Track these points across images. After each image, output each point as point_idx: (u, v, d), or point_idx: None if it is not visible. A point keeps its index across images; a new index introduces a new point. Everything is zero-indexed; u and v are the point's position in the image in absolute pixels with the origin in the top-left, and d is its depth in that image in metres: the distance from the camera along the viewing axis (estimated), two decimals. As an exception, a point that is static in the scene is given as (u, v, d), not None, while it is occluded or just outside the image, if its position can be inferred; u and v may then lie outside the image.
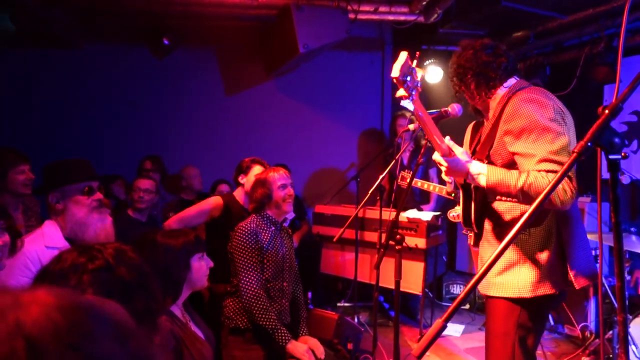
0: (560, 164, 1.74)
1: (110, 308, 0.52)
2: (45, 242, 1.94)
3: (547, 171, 1.75)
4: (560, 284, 1.88)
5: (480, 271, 0.99)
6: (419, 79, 1.65)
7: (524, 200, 1.81)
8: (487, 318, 2.03)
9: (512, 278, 1.90)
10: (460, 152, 1.87)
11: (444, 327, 1.01)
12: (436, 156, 1.89)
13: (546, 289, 1.87)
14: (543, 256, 1.88)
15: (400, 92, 1.62)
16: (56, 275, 1.13)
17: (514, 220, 1.90)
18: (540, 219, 1.89)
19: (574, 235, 1.94)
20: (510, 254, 1.91)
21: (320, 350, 2.65)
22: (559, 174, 1.00)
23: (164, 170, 4.79)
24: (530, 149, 1.80)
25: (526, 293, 1.87)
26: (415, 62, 1.63)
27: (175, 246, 1.94)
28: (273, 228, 2.73)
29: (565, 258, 1.89)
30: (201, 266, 2.03)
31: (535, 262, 1.88)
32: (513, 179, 1.78)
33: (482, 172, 1.85)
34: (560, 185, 1.71)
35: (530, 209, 1.01)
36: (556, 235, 1.90)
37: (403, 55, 1.56)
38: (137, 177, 3.82)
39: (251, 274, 2.57)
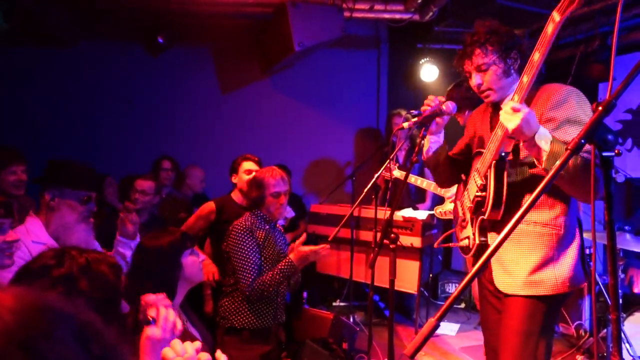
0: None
1: (75, 308, 0.51)
2: (31, 237, 1.95)
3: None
4: (583, 278, 1.91)
5: (479, 262, 0.96)
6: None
7: (571, 178, 1.68)
8: (507, 316, 1.93)
9: (549, 275, 1.86)
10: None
11: (437, 326, 0.99)
12: (510, 104, 1.68)
13: (575, 284, 1.88)
14: (575, 249, 1.89)
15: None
16: (31, 273, 1.15)
17: (533, 210, 1.86)
18: (569, 212, 1.91)
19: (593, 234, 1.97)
20: (546, 251, 1.87)
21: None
22: (554, 169, 1.00)
23: (179, 169, 4.76)
24: (558, 123, 1.80)
25: (563, 289, 1.86)
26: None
27: (162, 247, 1.94)
28: (267, 226, 2.72)
29: (583, 253, 1.93)
30: (194, 261, 2.02)
31: (569, 257, 1.88)
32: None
33: (548, 137, 1.68)
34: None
35: (532, 196, 1.01)
36: (579, 226, 1.94)
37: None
38: (139, 178, 3.74)
39: (249, 272, 2.56)
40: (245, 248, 2.59)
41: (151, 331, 1.33)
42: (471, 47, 1.92)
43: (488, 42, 1.87)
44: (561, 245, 1.87)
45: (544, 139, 1.67)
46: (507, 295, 1.93)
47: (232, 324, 2.61)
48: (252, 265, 2.56)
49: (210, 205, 3.31)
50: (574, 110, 1.78)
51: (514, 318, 1.91)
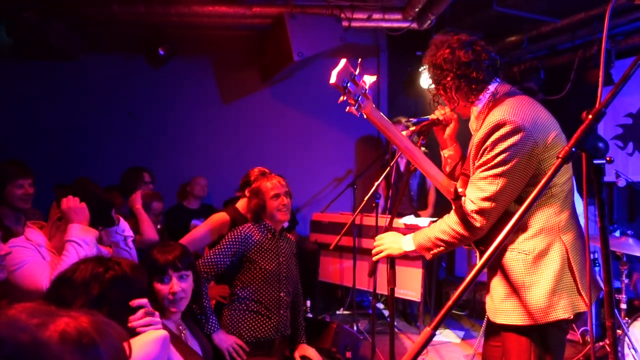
0: (484, 190, 1.65)
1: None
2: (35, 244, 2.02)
3: (466, 196, 1.70)
4: (575, 305, 1.67)
5: (464, 285, 0.97)
6: (367, 86, 1.57)
7: (448, 247, 1.78)
8: (503, 340, 1.81)
9: (518, 304, 1.69)
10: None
11: (432, 335, 1.00)
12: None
13: (558, 314, 1.65)
14: (550, 275, 1.67)
15: (342, 98, 1.55)
16: (77, 284, 1.25)
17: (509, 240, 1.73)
18: (539, 235, 1.70)
19: (578, 246, 1.72)
20: (514, 277, 1.71)
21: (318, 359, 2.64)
22: (540, 185, 1.00)
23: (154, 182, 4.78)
24: (474, 172, 1.71)
25: (539, 319, 1.66)
26: (358, 69, 1.55)
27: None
28: (270, 235, 2.70)
29: (574, 275, 1.68)
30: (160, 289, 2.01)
31: (542, 284, 1.67)
32: (430, 232, 1.80)
33: (409, 241, 1.88)
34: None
35: (507, 227, 1.00)
36: (561, 250, 1.69)
37: (342, 62, 1.51)
38: (155, 199, 3.74)
39: (213, 256, 2.56)
40: (224, 248, 2.58)
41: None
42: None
43: (430, 76, 1.87)
44: (532, 272, 1.68)
45: (407, 245, 1.89)
46: (497, 325, 1.81)
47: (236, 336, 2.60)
48: (216, 257, 2.56)
49: (223, 216, 3.08)
50: (490, 142, 1.65)
51: (504, 347, 1.80)
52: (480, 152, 1.70)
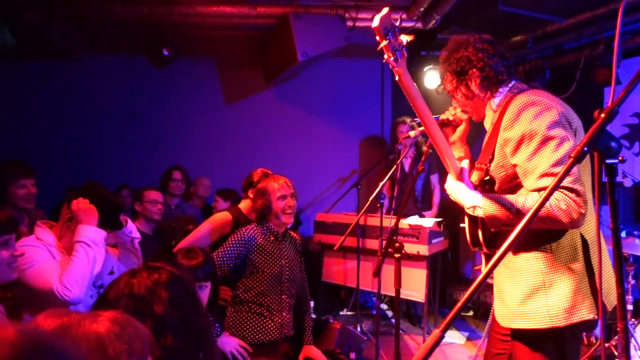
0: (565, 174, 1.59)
1: (69, 347, 0.53)
2: (46, 244, 2.04)
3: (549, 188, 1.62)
4: (593, 308, 1.60)
5: (474, 285, 0.95)
6: (404, 43, 1.51)
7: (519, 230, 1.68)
8: (512, 350, 1.74)
9: (540, 305, 1.62)
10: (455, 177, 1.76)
11: (441, 338, 0.98)
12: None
13: (583, 314, 1.58)
14: (572, 276, 1.60)
15: (382, 44, 1.45)
16: (144, 296, 1.23)
17: (531, 237, 1.65)
18: (559, 231, 1.63)
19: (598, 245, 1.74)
20: (533, 277, 1.64)
21: None
22: (555, 180, 0.98)
23: (189, 180, 4.79)
24: (531, 161, 1.59)
25: (560, 321, 1.58)
26: (399, 22, 1.48)
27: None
28: (272, 238, 2.68)
29: (593, 275, 1.62)
30: None
31: (564, 283, 1.60)
32: (511, 207, 1.60)
33: (477, 205, 1.69)
34: (562, 203, 1.51)
35: (521, 224, 0.97)
36: (583, 246, 1.63)
37: (384, 10, 1.44)
38: (147, 189, 3.71)
39: (217, 259, 2.54)
40: (228, 250, 2.57)
41: None
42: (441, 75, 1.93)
43: (446, 71, 1.85)
44: (553, 270, 1.62)
45: (471, 210, 1.72)
46: (512, 336, 1.73)
47: (238, 336, 2.59)
48: (217, 267, 2.52)
49: (226, 215, 3.04)
50: (530, 123, 1.60)
51: (516, 352, 1.71)
52: (517, 138, 1.62)
